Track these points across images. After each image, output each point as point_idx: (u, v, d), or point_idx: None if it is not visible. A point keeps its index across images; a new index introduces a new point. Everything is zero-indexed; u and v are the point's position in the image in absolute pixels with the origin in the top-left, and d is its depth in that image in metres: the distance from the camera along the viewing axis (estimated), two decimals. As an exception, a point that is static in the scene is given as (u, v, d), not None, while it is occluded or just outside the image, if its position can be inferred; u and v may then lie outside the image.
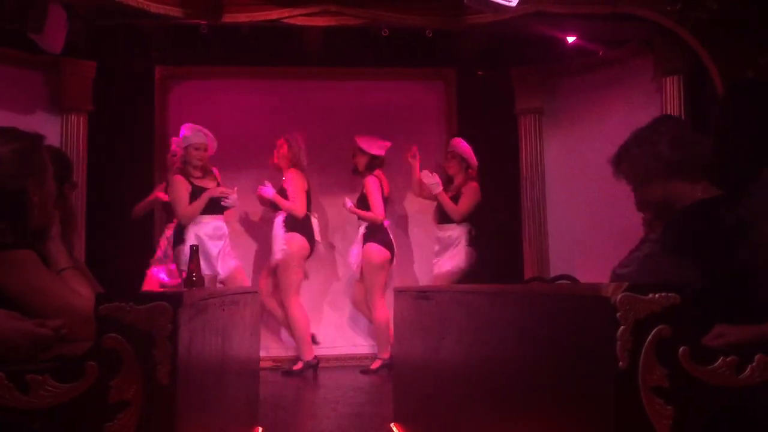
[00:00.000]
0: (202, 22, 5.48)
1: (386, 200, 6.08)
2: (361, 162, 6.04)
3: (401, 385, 3.87)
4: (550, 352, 1.66)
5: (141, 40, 6.20)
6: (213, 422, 2.10)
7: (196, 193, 5.45)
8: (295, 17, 5.26)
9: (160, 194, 5.82)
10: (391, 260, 5.98)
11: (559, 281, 2.71)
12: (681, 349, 1.40)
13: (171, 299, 1.43)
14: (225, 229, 5.62)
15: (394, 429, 3.76)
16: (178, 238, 5.46)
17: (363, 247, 5.92)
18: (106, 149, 6.08)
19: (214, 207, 5.53)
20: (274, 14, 5.21)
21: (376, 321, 5.94)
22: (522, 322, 1.88)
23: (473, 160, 6.06)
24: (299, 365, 5.81)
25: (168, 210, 5.84)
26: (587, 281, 2.44)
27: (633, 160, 2.26)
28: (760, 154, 2.10)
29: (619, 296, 1.38)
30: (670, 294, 1.39)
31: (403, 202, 6.71)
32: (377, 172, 6.06)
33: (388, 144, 6.10)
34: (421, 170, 6.07)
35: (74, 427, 1.39)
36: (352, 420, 4.19)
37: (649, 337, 1.38)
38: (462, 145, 6.06)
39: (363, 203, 5.97)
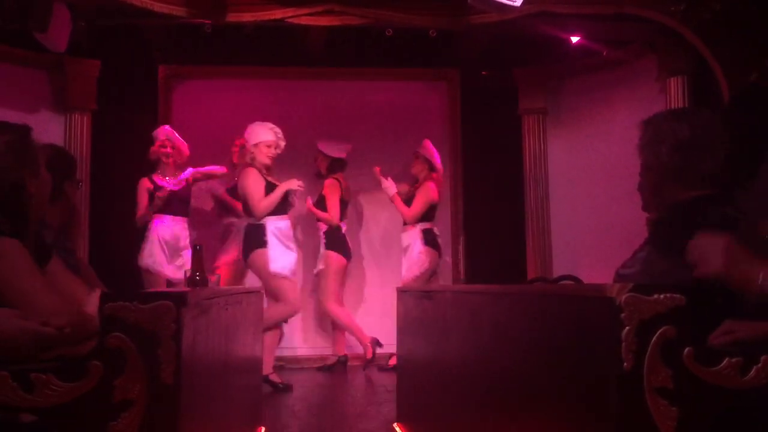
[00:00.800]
0: (206, 21, 5.48)
1: (345, 204, 6.09)
2: (323, 165, 6.08)
3: (405, 385, 3.86)
4: (554, 352, 1.66)
5: (145, 40, 6.21)
6: (216, 422, 2.10)
7: (268, 188, 5.11)
8: (299, 17, 5.26)
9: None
10: (346, 266, 6.04)
11: (563, 282, 2.71)
12: (686, 350, 1.39)
13: (175, 299, 1.43)
14: (291, 230, 5.31)
15: (398, 429, 3.76)
16: (257, 238, 5.07)
17: (323, 251, 5.97)
18: (110, 148, 6.09)
19: (282, 206, 5.15)
20: (278, 14, 5.21)
21: (339, 323, 6.01)
22: (526, 323, 1.88)
23: (437, 163, 6.04)
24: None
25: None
26: (591, 282, 2.44)
27: (643, 141, 2.23)
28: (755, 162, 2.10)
29: (623, 297, 1.37)
30: (675, 295, 1.39)
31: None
32: (338, 175, 6.07)
33: (349, 147, 6.11)
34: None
35: (78, 426, 1.39)
36: (355, 420, 4.19)
37: (654, 337, 1.37)
38: (428, 147, 6.05)
39: (321, 205, 5.99)
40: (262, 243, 5.02)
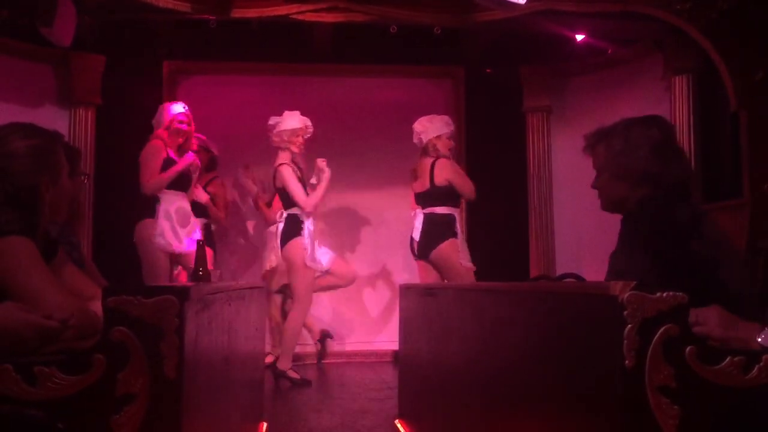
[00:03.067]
0: (211, 17, 5.48)
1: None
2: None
3: (406, 381, 3.87)
4: (557, 350, 1.66)
5: (150, 35, 6.22)
6: (219, 416, 2.11)
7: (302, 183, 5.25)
8: (304, 13, 5.26)
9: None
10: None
11: (566, 279, 2.72)
12: (688, 348, 1.39)
13: (178, 293, 1.44)
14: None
15: (399, 425, 3.77)
16: (294, 228, 5.20)
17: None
18: (114, 143, 6.10)
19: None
20: (283, 10, 5.21)
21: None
22: (529, 320, 1.88)
23: None
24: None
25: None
26: (593, 279, 2.45)
27: (611, 151, 2.26)
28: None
29: (626, 295, 1.37)
30: (677, 293, 1.39)
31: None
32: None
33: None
34: None
35: (81, 419, 1.39)
36: (357, 416, 4.19)
37: (656, 336, 1.37)
38: None
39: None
40: (297, 233, 5.16)
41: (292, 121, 5.24)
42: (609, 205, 2.36)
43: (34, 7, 5.08)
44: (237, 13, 5.24)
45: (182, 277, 5.32)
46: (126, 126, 6.11)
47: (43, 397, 1.38)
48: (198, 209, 5.58)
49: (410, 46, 6.33)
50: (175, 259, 5.17)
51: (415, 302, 3.62)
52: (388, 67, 6.76)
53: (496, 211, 6.46)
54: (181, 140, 5.23)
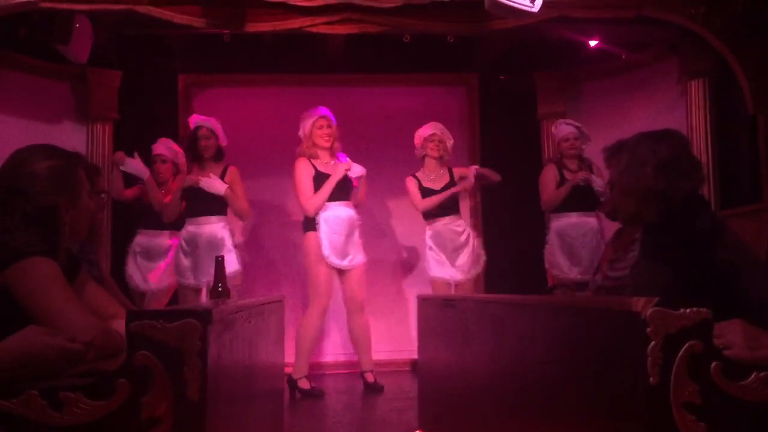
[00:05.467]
0: (225, 31, 5.52)
1: None
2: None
3: (427, 392, 3.86)
4: (579, 365, 1.65)
5: (165, 50, 6.26)
6: (241, 433, 2.11)
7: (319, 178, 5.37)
8: (318, 26, 5.27)
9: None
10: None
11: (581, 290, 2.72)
12: (713, 364, 1.38)
13: (200, 316, 1.44)
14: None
15: (420, 437, 3.76)
16: (309, 221, 5.32)
17: None
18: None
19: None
20: (296, 23, 5.22)
21: None
22: (550, 335, 1.87)
23: None
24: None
25: None
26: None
27: (620, 167, 2.26)
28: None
29: (649, 311, 1.36)
30: (701, 309, 1.38)
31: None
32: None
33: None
34: None
35: (107, 444, 1.40)
36: (377, 426, 4.19)
37: (681, 352, 1.36)
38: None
39: None
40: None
41: (307, 116, 5.46)
42: (622, 219, 2.36)
43: (51, 25, 5.15)
44: (251, 27, 5.26)
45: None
46: (143, 140, 6.15)
47: (69, 422, 1.39)
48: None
49: (424, 55, 6.34)
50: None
51: (434, 313, 3.62)
52: (401, 75, 6.77)
53: (511, 216, 6.44)
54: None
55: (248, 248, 6.59)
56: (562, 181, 5.64)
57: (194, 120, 5.45)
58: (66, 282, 1.88)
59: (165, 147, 5.70)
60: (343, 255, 5.29)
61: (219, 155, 5.40)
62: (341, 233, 5.29)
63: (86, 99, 6.17)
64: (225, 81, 6.74)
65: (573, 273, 5.55)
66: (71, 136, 5.89)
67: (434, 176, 5.67)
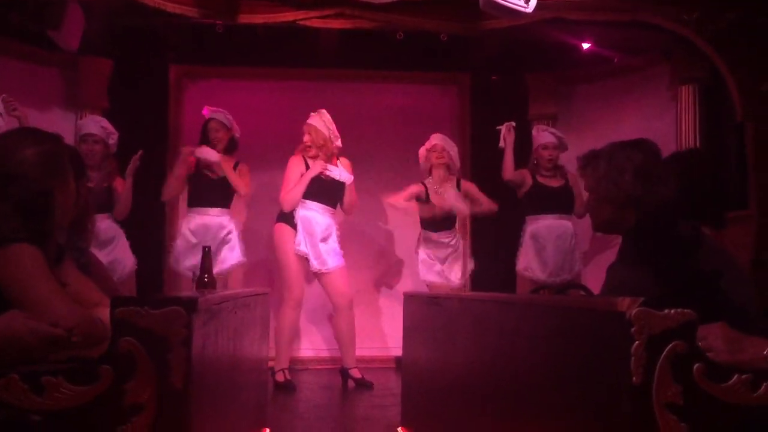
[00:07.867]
0: (218, 22, 5.49)
1: None
2: None
3: (409, 389, 3.86)
4: (562, 364, 1.66)
5: (157, 39, 6.23)
6: (225, 424, 2.11)
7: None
8: (311, 19, 5.27)
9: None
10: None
11: (571, 289, 2.73)
12: (696, 365, 1.39)
13: (185, 304, 1.44)
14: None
15: (402, 433, 3.76)
16: (285, 213, 5.34)
17: None
18: (121, 146, 6.11)
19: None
20: (289, 16, 5.22)
21: None
22: (533, 333, 1.88)
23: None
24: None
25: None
26: (596, 290, 2.46)
27: (597, 174, 2.28)
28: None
29: (633, 311, 1.37)
30: (685, 310, 1.38)
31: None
32: None
33: None
34: None
35: (88, 429, 1.39)
36: (360, 423, 4.19)
37: (664, 353, 1.37)
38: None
39: None
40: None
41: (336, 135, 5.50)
42: (598, 226, 2.39)
43: (43, 11, 5.11)
44: (244, 19, 5.25)
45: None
46: (133, 130, 6.12)
47: (50, 407, 1.38)
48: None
49: (416, 53, 6.34)
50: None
51: (420, 311, 3.62)
52: (394, 73, 6.76)
53: (501, 218, 6.44)
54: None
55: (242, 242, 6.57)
56: (534, 185, 5.72)
57: (206, 111, 5.48)
58: (49, 270, 1.86)
59: (97, 126, 5.36)
60: (317, 257, 5.27)
61: (231, 147, 5.51)
62: (316, 236, 5.27)
63: (76, 87, 6.13)
64: (217, 73, 6.71)
65: (544, 275, 5.59)
66: (60, 124, 5.83)
67: (442, 190, 5.73)
